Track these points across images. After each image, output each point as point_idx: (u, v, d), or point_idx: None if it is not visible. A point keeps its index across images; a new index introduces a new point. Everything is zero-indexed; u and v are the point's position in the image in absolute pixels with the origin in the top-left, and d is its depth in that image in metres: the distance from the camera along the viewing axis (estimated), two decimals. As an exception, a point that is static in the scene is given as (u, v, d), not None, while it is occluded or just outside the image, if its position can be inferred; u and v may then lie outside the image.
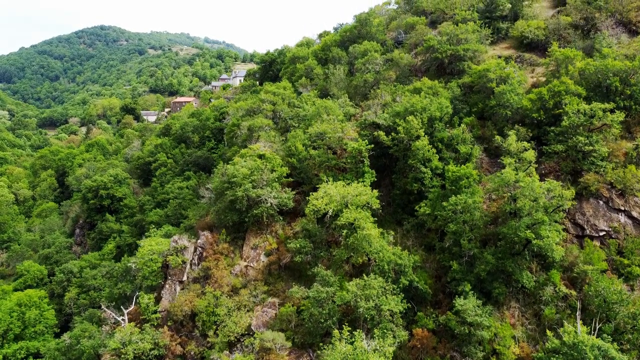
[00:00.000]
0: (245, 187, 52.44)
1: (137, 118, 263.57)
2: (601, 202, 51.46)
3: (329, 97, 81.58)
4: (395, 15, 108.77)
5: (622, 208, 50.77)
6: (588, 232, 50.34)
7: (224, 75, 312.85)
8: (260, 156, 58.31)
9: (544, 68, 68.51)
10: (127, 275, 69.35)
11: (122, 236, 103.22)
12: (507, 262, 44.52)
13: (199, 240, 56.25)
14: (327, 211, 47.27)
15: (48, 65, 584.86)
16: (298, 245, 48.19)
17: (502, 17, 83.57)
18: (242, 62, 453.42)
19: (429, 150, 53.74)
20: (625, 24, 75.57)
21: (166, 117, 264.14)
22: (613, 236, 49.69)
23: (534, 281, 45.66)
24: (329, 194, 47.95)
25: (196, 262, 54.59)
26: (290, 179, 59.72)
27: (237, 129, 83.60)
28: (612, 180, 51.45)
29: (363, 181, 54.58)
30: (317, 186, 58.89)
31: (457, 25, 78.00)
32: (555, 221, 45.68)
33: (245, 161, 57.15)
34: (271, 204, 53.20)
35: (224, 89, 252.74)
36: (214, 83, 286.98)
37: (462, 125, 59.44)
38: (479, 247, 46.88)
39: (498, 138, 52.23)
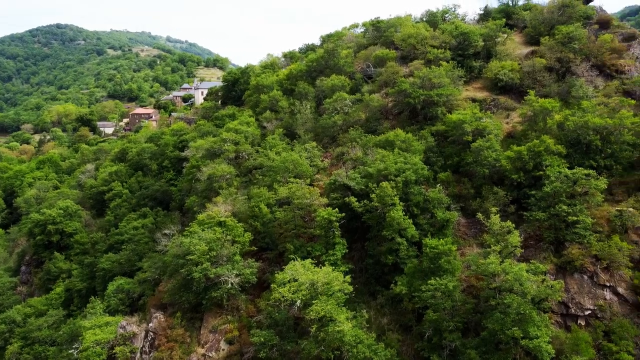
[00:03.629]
0: (203, 266, 47.06)
1: (94, 130, 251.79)
2: (586, 277, 48.44)
3: (295, 140, 76.83)
4: (364, 43, 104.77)
5: (608, 283, 47.87)
6: (573, 310, 47.17)
7: (186, 85, 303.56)
8: (221, 223, 52.92)
9: (520, 116, 65.59)
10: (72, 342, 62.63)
11: (72, 280, 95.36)
12: (493, 358, 40.74)
13: (150, 324, 50.49)
14: (295, 301, 42.42)
15: (0, 65, 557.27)
16: (262, 338, 43.15)
17: (475, 54, 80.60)
18: (205, 66, 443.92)
19: (404, 219, 49.55)
20: (599, 66, 73.77)
21: (124, 129, 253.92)
22: (599, 315, 46.67)
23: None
24: (297, 279, 43.10)
25: (147, 350, 48.85)
26: (254, 248, 54.61)
27: (197, 171, 77.67)
28: (597, 254, 48.53)
29: (334, 254, 49.97)
30: (283, 251, 54.33)
31: (429, 65, 74.44)
32: (544, 310, 42.25)
33: (203, 230, 51.69)
34: (232, 284, 48.00)
35: (184, 101, 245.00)
36: (175, 93, 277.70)
37: (439, 186, 55.62)
38: (460, 338, 42.94)
39: (480, 215, 48.46)
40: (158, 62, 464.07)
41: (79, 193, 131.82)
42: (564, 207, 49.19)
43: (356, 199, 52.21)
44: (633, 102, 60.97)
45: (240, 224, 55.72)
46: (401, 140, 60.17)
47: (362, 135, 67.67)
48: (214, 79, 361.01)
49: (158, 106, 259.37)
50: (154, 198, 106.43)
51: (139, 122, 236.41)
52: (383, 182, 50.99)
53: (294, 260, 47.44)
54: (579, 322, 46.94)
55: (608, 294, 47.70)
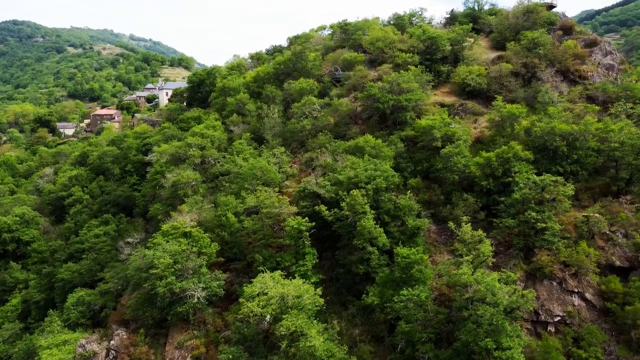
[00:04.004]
0: (168, 280, 45.05)
1: (53, 131, 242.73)
2: (555, 284, 48.73)
3: (263, 145, 75.23)
4: (332, 46, 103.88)
5: (576, 290, 48.28)
6: (543, 317, 47.36)
7: (150, 85, 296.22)
8: (186, 234, 50.92)
9: (488, 121, 65.83)
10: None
11: (29, 291, 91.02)
12: (466, 369, 40.31)
13: (112, 342, 48.15)
14: (265, 316, 40.97)
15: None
16: (230, 355, 41.54)
17: (443, 58, 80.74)
18: (170, 66, 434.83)
19: (375, 228, 48.73)
20: (563, 72, 74.94)
21: (85, 130, 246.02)
22: (568, 322, 46.99)
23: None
24: (266, 293, 41.67)
25: (109, 370, 46.58)
26: (221, 259, 52.83)
27: (162, 177, 75.13)
28: (566, 260, 48.87)
29: (304, 264, 48.74)
30: (252, 261, 52.79)
31: (398, 70, 74.07)
32: (515, 319, 42.12)
33: (167, 241, 49.61)
34: (198, 298, 46.15)
35: (148, 102, 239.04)
36: (138, 93, 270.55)
37: (409, 193, 55.06)
38: (433, 350, 42.37)
39: (451, 224, 48.07)
40: (121, 60, 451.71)
41: (37, 198, 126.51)
42: (533, 213, 49.35)
43: (326, 208, 51.14)
44: (597, 108, 61.99)
45: (207, 234, 53.85)
46: (371, 146, 59.43)
47: (331, 140, 66.68)
48: (179, 78, 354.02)
49: (121, 107, 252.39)
50: (116, 204, 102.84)
51: (100, 124, 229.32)
52: (353, 190, 50.06)
53: (263, 272, 45.98)
54: (548, 328, 47.17)
55: (576, 300, 48.10)
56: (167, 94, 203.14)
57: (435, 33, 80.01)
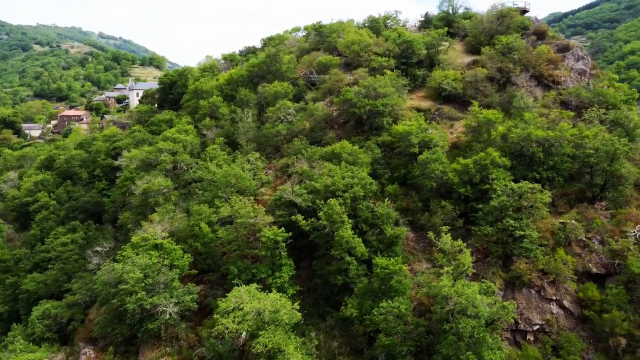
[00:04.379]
0: (138, 295, 43.02)
1: (18, 132, 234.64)
2: (533, 292, 48.59)
3: (237, 150, 73.46)
4: (307, 48, 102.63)
5: (554, 297, 48.23)
6: (522, 326, 47.12)
7: (120, 85, 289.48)
8: (157, 246, 48.88)
9: (464, 127, 65.59)
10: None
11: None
12: (447, 383, 39.56)
13: (79, 362, 45.95)
14: (241, 332, 39.43)
15: None
16: (205, 374, 39.92)
17: (418, 62, 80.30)
18: (141, 65, 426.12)
19: (354, 238, 47.67)
20: (537, 77, 75.34)
21: (53, 132, 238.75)
22: (547, 330, 46.88)
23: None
24: (242, 308, 40.13)
25: (76, 391, 44.32)
26: (194, 271, 50.96)
27: (132, 184, 72.61)
28: (544, 268, 48.76)
29: (281, 276, 47.34)
30: (226, 272, 51.11)
31: (374, 74, 73.24)
32: (495, 329, 41.61)
33: (137, 254, 47.50)
34: (170, 314, 44.25)
35: (118, 102, 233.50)
36: (108, 93, 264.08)
37: (387, 200, 54.25)
38: (414, 363, 41.59)
39: (431, 235, 47.33)
40: (90, 59, 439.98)
41: (0, 204, 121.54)
42: (511, 221, 49.05)
43: (303, 217, 49.81)
44: (572, 114, 62.37)
45: (179, 245, 51.85)
46: (348, 153, 58.40)
47: (307, 146, 65.37)
48: (150, 78, 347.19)
49: (90, 107, 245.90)
50: (84, 210, 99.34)
51: (68, 125, 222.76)
52: (331, 199, 48.89)
53: (238, 286, 44.38)
54: (527, 337, 46.96)
55: (555, 308, 48.04)
56: (137, 94, 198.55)
57: (410, 37, 79.55)
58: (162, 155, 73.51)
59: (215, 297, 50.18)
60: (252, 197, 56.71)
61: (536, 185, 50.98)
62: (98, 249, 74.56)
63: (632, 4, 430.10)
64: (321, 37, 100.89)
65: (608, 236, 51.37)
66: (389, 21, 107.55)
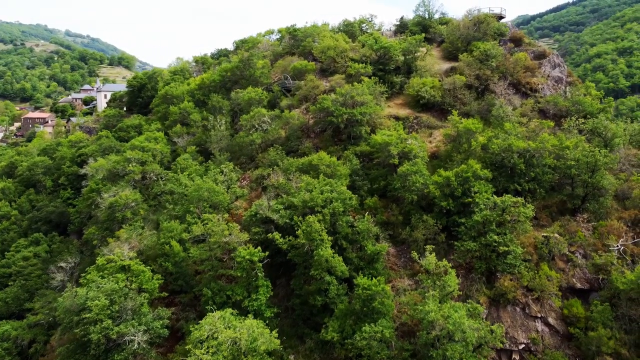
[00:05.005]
0: (103, 324, 39.89)
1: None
2: (518, 309, 47.29)
3: (210, 159, 70.58)
4: (281, 52, 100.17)
5: (539, 315, 47.00)
6: (507, 345, 45.65)
7: (87, 85, 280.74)
8: (124, 267, 45.71)
9: (444, 137, 64.19)
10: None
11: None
12: (433, 411, 37.81)
13: (39, 397, 42.49)
14: (215, 364, 36.80)
15: None
16: (177, 410, 37.18)
17: (396, 69, 78.77)
18: (110, 65, 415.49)
19: (334, 258, 45.53)
20: (515, 84, 74.71)
21: (16, 135, 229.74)
22: (532, 349, 45.59)
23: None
24: (217, 337, 37.53)
25: None
26: (164, 294, 47.96)
27: (98, 196, 68.94)
28: (528, 284, 47.58)
29: (257, 298, 44.85)
30: (199, 293, 48.35)
31: (351, 81, 71.49)
32: (482, 352, 40.10)
33: (103, 277, 44.29)
34: (139, 343, 41.25)
35: (85, 104, 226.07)
36: (74, 95, 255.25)
37: (367, 215, 52.33)
38: (398, 390, 39.72)
39: (414, 254, 45.52)
40: (56, 58, 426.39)
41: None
42: (495, 236, 47.70)
43: (280, 235, 47.45)
44: (552, 124, 61.57)
45: (149, 265, 48.66)
46: (326, 165, 56.25)
47: (283, 157, 63.05)
48: (119, 79, 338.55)
49: (55, 110, 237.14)
50: (48, 221, 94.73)
51: (32, 128, 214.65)
52: (309, 217, 46.65)
53: (212, 311, 41.70)
54: (513, 357, 45.62)
55: (540, 326, 46.82)
56: (105, 96, 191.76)
57: (388, 43, 77.94)
58: (130, 165, 70.11)
59: (188, 321, 47.53)
60: (226, 214, 54.03)
61: (519, 199, 49.74)
62: (62, 264, 70.84)
63: (597, 7, 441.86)
64: (295, 41, 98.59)
65: (591, 250, 50.57)
66: (364, 25, 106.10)
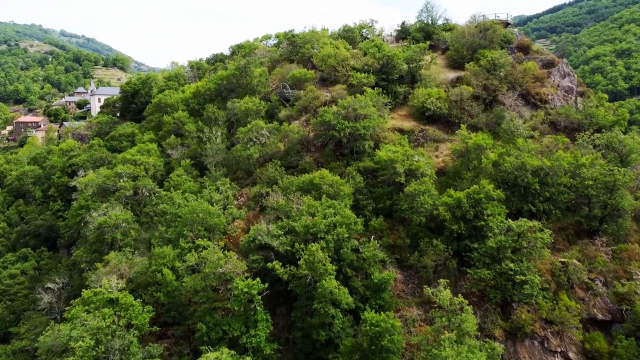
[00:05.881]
0: (88, 368, 36.49)
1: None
2: (536, 344, 44.20)
3: (205, 175, 67.11)
4: (279, 59, 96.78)
5: (559, 349, 43.96)
6: (525, 383, 42.67)
7: (81, 88, 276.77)
8: (112, 300, 42.23)
9: (453, 153, 60.83)
10: None
11: None
12: None
13: None
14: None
15: None
16: None
17: (400, 78, 75.43)
18: (104, 66, 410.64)
19: (339, 290, 42.21)
20: (524, 95, 71.62)
21: (8, 139, 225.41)
22: (552, 387, 42.55)
23: None
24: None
25: None
26: (155, 328, 44.46)
27: (87, 213, 65.47)
28: (547, 316, 44.42)
29: (256, 334, 41.49)
30: (193, 326, 44.92)
31: (353, 92, 68.20)
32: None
33: (89, 311, 40.85)
34: (128, 387, 37.87)
35: (79, 107, 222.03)
36: (68, 98, 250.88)
37: (373, 240, 49.00)
38: None
39: (427, 290, 42.21)
40: (50, 59, 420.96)
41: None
42: (511, 264, 44.54)
43: (280, 264, 44.08)
44: (567, 140, 58.42)
45: (138, 300, 44.76)
46: (328, 184, 52.83)
47: (282, 174, 59.65)
48: (114, 80, 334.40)
49: (48, 113, 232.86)
50: (37, 235, 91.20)
51: (24, 132, 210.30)
52: (312, 245, 43.31)
53: (207, 352, 38.32)
54: (531, 396, 42.55)
55: (559, 361, 43.77)
56: (99, 100, 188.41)
57: (391, 51, 74.52)
58: (121, 180, 66.57)
59: (182, 356, 44.16)
60: (222, 241, 50.70)
61: (536, 223, 46.53)
62: (50, 285, 67.16)
63: (593, 8, 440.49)
64: (294, 47, 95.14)
65: (612, 277, 47.59)
66: (364, 30, 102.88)
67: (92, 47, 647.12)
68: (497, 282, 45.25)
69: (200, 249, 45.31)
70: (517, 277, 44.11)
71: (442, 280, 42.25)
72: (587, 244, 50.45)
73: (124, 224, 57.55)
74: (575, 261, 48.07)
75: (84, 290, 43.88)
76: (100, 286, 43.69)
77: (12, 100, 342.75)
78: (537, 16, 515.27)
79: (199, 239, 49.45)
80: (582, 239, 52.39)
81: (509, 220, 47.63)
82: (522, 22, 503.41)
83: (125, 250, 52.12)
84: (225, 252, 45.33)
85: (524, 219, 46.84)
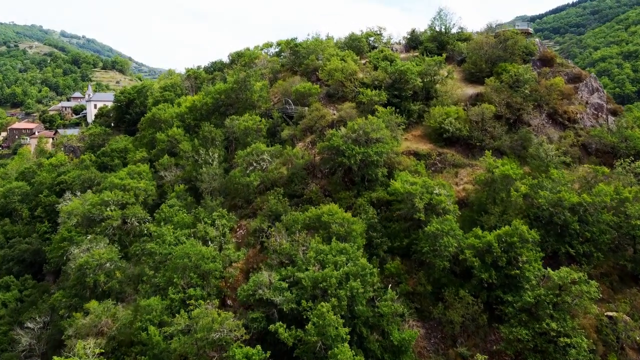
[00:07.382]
0: None
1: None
2: (584, 419, 37.78)
3: (200, 204, 60.77)
4: (281, 70, 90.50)
5: None
6: None
7: (77, 93, 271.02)
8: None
9: (477, 183, 54.33)
10: None
11: None
12: None
13: None
14: None
15: None
16: None
17: (413, 94, 68.98)
18: (103, 69, 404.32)
19: (354, 359, 35.88)
20: (550, 114, 65.21)
21: (2, 146, 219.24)
22: None
23: None
24: None
25: None
26: (140, 401, 38.32)
27: (70, 246, 59.33)
28: (596, 387, 38.15)
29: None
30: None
31: (363, 111, 61.96)
32: None
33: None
34: None
35: (75, 113, 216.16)
36: (64, 103, 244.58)
37: (391, 292, 42.70)
38: None
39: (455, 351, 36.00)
40: (49, 61, 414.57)
41: None
42: (553, 324, 38.28)
43: (285, 326, 37.77)
44: (607, 170, 51.94)
45: (122, 356, 38.94)
46: (339, 223, 46.40)
47: (286, 207, 53.32)
48: (113, 83, 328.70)
49: (44, 119, 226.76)
50: (21, 260, 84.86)
51: (18, 139, 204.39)
52: (322, 304, 36.96)
53: None
54: None
55: None
56: (95, 106, 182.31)
57: (403, 66, 68.01)
58: (107, 209, 60.33)
59: None
60: (218, 281, 44.51)
61: (580, 274, 40.20)
62: (30, 325, 60.86)
63: (597, 9, 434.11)
64: (297, 57, 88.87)
65: (668, 336, 41.18)
66: (371, 39, 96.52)
67: (93, 48, 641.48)
68: (537, 344, 38.94)
69: (192, 307, 38.97)
70: (561, 340, 37.81)
71: (479, 356, 35.84)
72: (637, 294, 44.12)
73: (107, 264, 51.25)
74: (625, 316, 41.75)
75: (55, 357, 37.52)
76: (74, 354, 37.36)
77: (9, 103, 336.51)
78: (540, 17, 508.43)
79: (191, 288, 43.22)
80: (626, 284, 46.00)
81: (549, 269, 41.29)
82: (525, 23, 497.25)
83: (107, 302, 45.69)
84: (221, 312, 38.91)
85: (566, 269, 40.56)
